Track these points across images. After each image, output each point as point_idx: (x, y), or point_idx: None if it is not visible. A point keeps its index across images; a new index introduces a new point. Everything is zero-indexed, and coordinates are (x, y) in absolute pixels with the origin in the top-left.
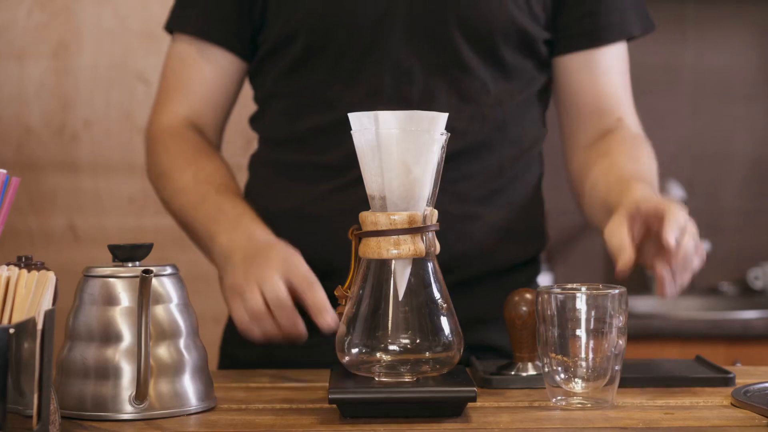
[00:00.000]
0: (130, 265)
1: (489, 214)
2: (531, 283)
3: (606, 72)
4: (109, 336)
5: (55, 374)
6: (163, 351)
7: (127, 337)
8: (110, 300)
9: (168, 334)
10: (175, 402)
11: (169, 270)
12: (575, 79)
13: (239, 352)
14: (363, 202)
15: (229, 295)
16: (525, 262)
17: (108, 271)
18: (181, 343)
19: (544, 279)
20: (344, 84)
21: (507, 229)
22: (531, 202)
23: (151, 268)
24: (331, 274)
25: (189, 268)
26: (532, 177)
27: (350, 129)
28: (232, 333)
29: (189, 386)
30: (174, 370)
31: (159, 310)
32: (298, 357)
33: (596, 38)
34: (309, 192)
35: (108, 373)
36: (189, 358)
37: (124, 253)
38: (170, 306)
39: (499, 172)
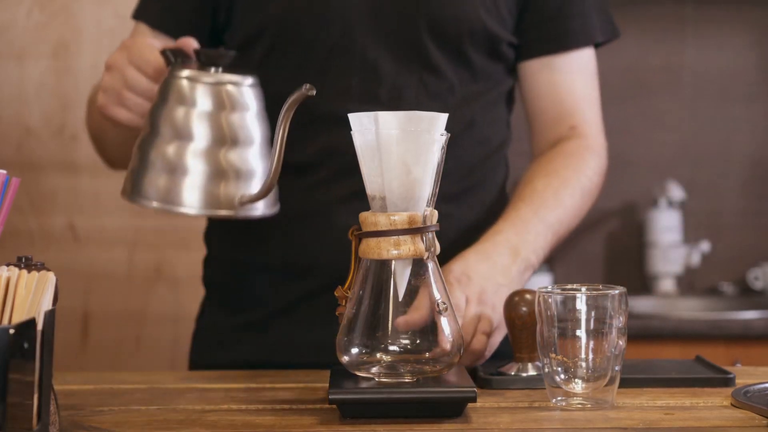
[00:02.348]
0: (212, 70)
1: (460, 213)
2: None
3: (565, 79)
4: (183, 135)
5: (133, 158)
6: (235, 156)
7: (200, 138)
8: (189, 101)
9: (242, 141)
10: (241, 204)
11: (250, 80)
12: (535, 84)
13: (209, 357)
14: (338, 200)
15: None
16: None
17: (191, 74)
18: (255, 151)
19: (544, 279)
20: (311, 83)
21: (477, 227)
22: (498, 201)
23: (311, 87)
24: (313, 272)
25: (189, 268)
26: (499, 177)
27: (319, 127)
28: (202, 339)
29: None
30: (246, 175)
31: (236, 118)
32: (298, 357)
33: (556, 44)
34: (280, 191)
35: (177, 169)
36: (261, 164)
37: (207, 59)
38: (247, 114)
39: (469, 171)
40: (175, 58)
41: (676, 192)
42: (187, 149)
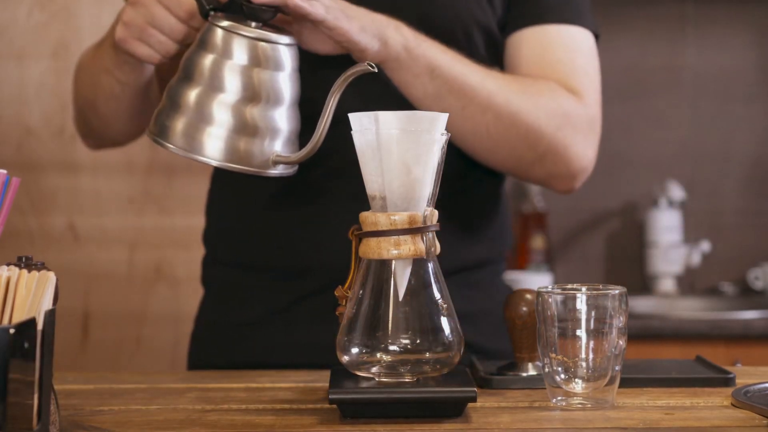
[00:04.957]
0: (253, 24)
1: (454, 214)
2: (496, 281)
3: (549, 48)
4: (212, 85)
5: (163, 100)
6: (262, 114)
7: (229, 90)
8: (224, 52)
9: (272, 99)
10: (260, 162)
11: (288, 39)
12: (518, 55)
13: (208, 357)
14: (334, 200)
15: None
16: (490, 261)
17: (230, 25)
18: (282, 111)
19: (544, 279)
20: (304, 81)
21: (472, 229)
22: (495, 203)
23: (374, 65)
24: (311, 273)
25: (189, 268)
26: (495, 179)
27: (312, 126)
28: (200, 339)
29: (276, 151)
30: (270, 133)
31: (269, 76)
32: (296, 358)
33: (535, 17)
34: (271, 192)
35: (203, 118)
36: (287, 125)
37: (249, 12)
38: (280, 73)
39: (463, 173)
40: (208, 4)
41: (677, 192)
42: (215, 99)
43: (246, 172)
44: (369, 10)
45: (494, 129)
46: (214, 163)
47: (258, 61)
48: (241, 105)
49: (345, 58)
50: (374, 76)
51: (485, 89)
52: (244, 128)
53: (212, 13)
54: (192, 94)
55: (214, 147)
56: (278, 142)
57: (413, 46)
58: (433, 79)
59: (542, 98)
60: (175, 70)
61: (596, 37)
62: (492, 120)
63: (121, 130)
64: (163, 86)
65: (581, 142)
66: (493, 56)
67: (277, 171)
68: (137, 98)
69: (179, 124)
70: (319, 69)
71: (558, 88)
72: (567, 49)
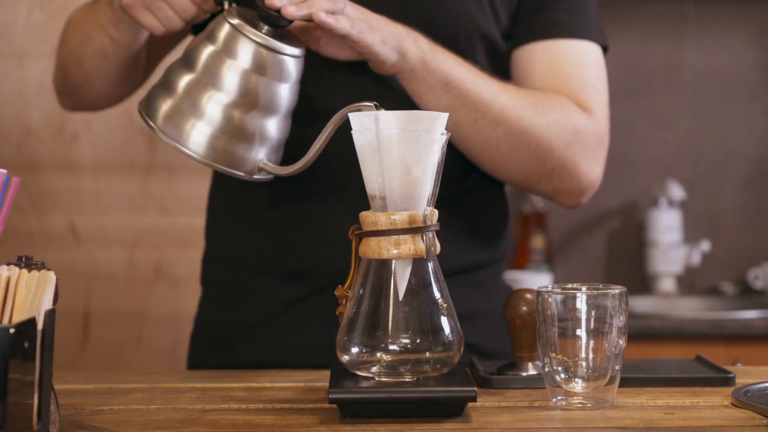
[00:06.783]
0: (265, 29)
1: (455, 215)
2: (496, 281)
3: (558, 63)
4: (210, 81)
5: (161, 77)
6: (253, 121)
7: (226, 90)
8: (228, 50)
9: (267, 108)
10: (241, 165)
11: (296, 51)
12: (528, 67)
13: (208, 357)
14: (332, 199)
15: None
16: (491, 262)
17: (239, 24)
18: (273, 121)
19: (544, 279)
20: (304, 80)
21: (473, 229)
22: (496, 204)
23: (379, 105)
24: (310, 274)
25: (189, 268)
26: (495, 182)
27: (311, 127)
28: (199, 339)
29: (260, 158)
30: (259, 141)
31: (267, 84)
32: (295, 359)
33: (544, 31)
34: (271, 192)
35: (193, 109)
36: (276, 134)
37: (264, 15)
38: (281, 84)
39: (464, 174)
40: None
41: (677, 191)
42: (207, 94)
43: (227, 173)
44: (388, 20)
45: (505, 143)
46: (195, 157)
47: (259, 67)
48: (234, 107)
49: (351, 61)
50: (374, 76)
51: (498, 104)
52: (232, 131)
53: (227, 4)
54: (188, 83)
55: (197, 141)
56: (264, 150)
57: (430, 59)
58: (447, 92)
59: (554, 114)
60: (170, 47)
61: (604, 49)
62: (503, 134)
63: (103, 92)
64: (151, 58)
65: (590, 159)
66: (495, 65)
67: (259, 176)
68: (126, 61)
69: (167, 107)
70: (324, 71)
71: (569, 103)
72: (576, 65)
